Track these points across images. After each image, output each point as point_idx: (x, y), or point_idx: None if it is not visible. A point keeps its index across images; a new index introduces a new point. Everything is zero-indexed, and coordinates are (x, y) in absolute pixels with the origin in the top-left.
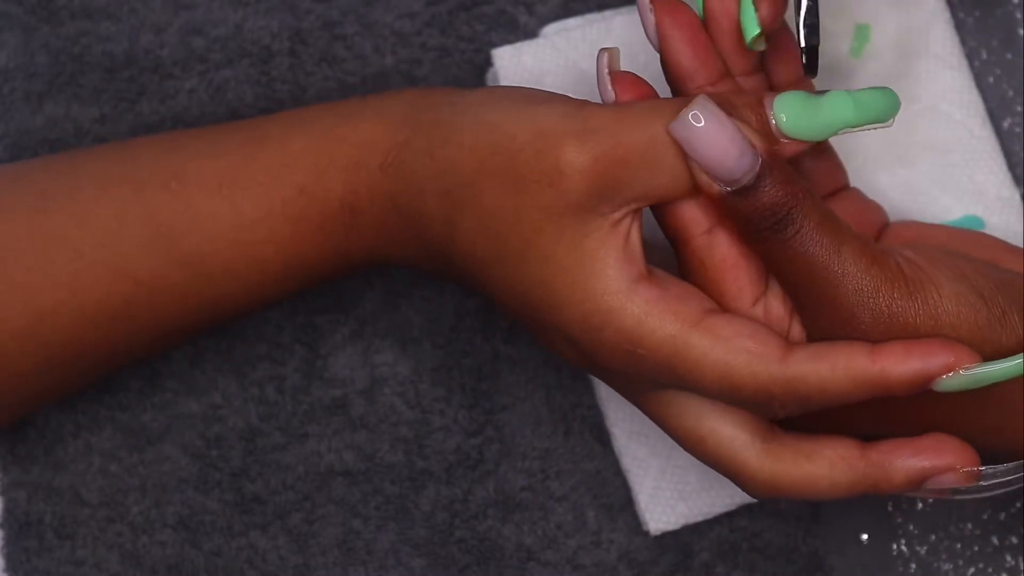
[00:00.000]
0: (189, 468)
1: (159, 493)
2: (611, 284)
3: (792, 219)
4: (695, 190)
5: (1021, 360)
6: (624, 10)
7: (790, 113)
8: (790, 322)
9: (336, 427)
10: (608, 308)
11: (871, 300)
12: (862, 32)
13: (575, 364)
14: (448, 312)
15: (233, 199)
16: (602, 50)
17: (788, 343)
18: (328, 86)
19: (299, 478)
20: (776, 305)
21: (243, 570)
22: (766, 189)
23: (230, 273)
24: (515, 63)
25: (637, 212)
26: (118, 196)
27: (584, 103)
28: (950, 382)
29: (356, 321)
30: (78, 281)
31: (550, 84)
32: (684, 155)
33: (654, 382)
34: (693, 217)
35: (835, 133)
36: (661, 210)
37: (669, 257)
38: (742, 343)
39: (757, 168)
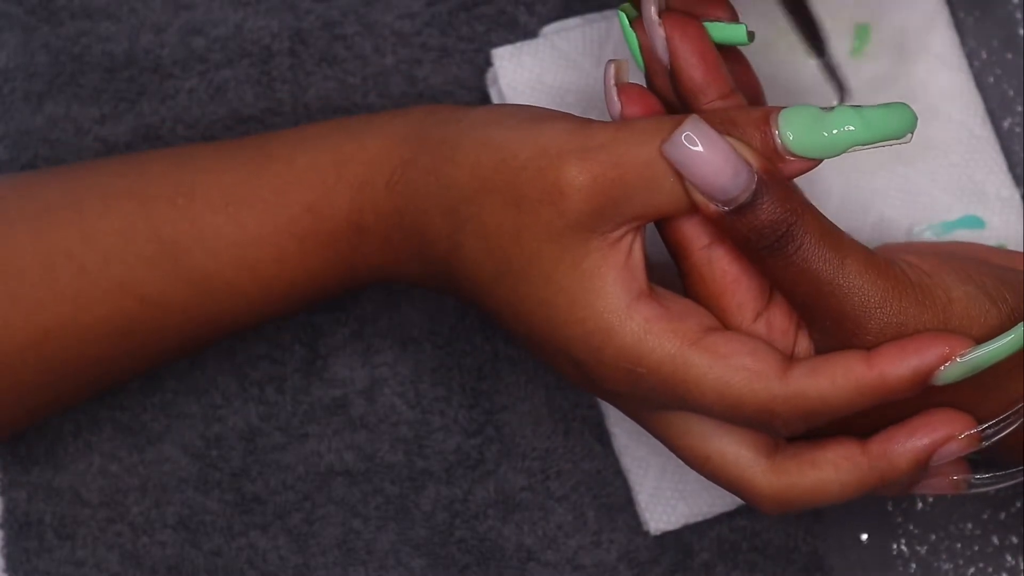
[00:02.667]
0: (189, 468)
1: (159, 493)
2: (611, 302)
3: (792, 236)
4: (695, 208)
5: (1014, 336)
6: None
7: (796, 130)
8: (795, 335)
9: (336, 427)
10: (608, 327)
11: (878, 311)
12: (862, 32)
13: (579, 386)
14: (448, 312)
15: (238, 217)
16: (609, 62)
17: (787, 360)
18: (328, 86)
19: (299, 478)
20: (780, 319)
21: (243, 570)
22: (763, 207)
23: (234, 290)
24: (515, 63)
25: (638, 229)
26: (124, 212)
27: (587, 122)
28: (949, 372)
29: (356, 321)
30: (83, 297)
31: (550, 84)
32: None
33: (657, 403)
34: (692, 232)
35: (844, 151)
36: (661, 225)
37: (673, 276)
38: (741, 361)
39: (753, 186)
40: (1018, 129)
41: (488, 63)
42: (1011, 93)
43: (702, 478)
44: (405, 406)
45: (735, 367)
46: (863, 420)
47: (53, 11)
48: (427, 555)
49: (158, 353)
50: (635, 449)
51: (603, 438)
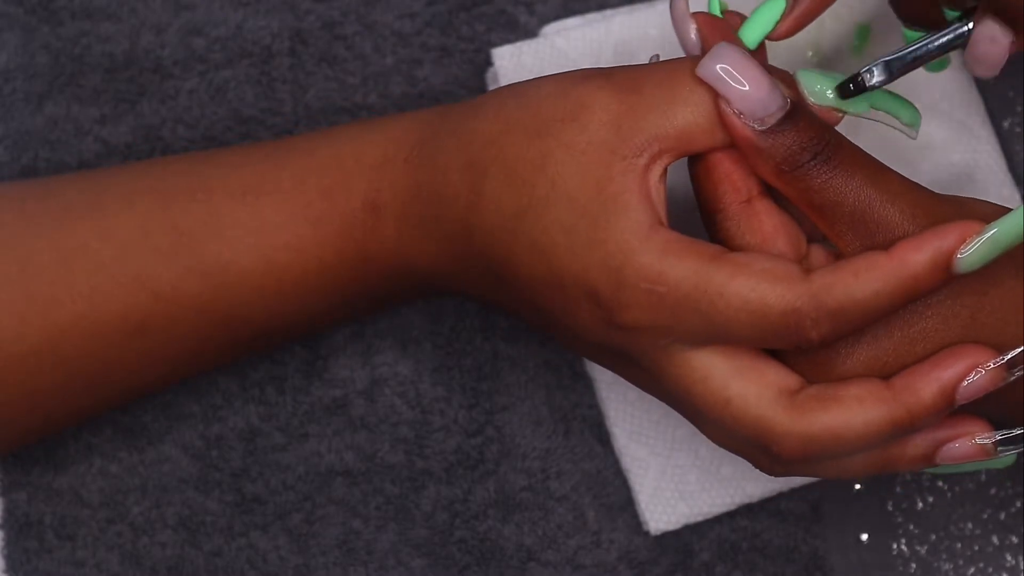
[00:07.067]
0: (189, 468)
1: (159, 493)
2: (632, 224)
3: (836, 144)
4: (717, 127)
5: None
6: (624, 10)
7: (812, 85)
8: None
9: (336, 427)
10: (629, 247)
11: (926, 215)
12: (862, 32)
13: (595, 336)
14: (448, 312)
15: (256, 205)
16: None
17: (807, 268)
18: (328, 86)
19: (299, 478)
20: (819, 265)
21: (243, 570)
22: (803, 120)
23: (248, 281)
24: (515, 63)
25: (663, 164)
26: (143, 207)
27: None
28: (970, 256)
29: (356, 321)
30: (98, 293)
31: None
32: (703, 85)
33: (677, 332)
34: (732, 187)
35: (858, 103)
36: (698, 177)
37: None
38: (762, 265)
39: (788, 105)
40: (1018, 129)
41: (488, 63)
42: (1011, 93)
43: (702, 478)
44: (405, 406)
45: (757, 271)
46: (890, 365)
47: (53, 11)
48: (427, 555)
49: (172, 356)
50: (635, 449)
51: (603, 438)
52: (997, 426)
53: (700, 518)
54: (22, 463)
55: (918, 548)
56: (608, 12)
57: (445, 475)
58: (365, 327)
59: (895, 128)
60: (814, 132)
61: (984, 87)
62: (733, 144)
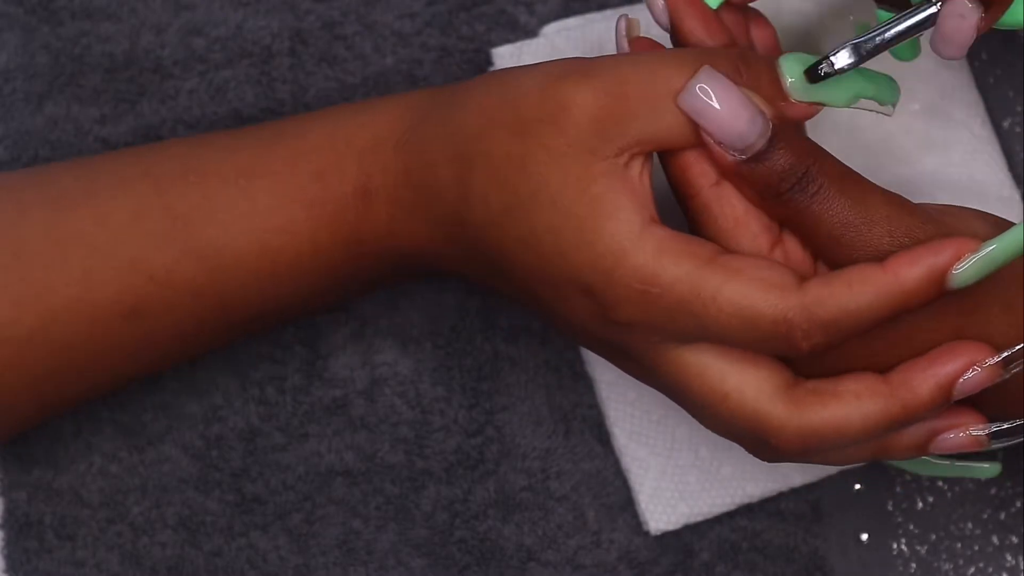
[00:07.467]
0: (189, 468)
1: (159, 493)
2: (623, 226)
3: (812, 176)
4: (697, 137)
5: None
6: (624, 10)
7: (796, 74)
8: (814, 265)
9: (336, 427)
10: (621, 249)
11: (909, 239)
12: (862, 31)
13: (592, 330)
14: (448, 312)
15: (249, 188)
16: (621, 16)
17: (802, 277)
18: (328, 86)
19: (299, 478)
20: (795, 248)
21: (243, 570)
22: (781, 150)
23: (243, 264)
24: (515, 63)
25: (646, 159)
26: (137, 192)
27: (592, 58)
28: (964, 272)
29: (356, 321)
30: (92, 277)
31: None
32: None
33: (670, 331)
34: (700, 170)
35: (841, 96)
36: (667, 163)
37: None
38: (756, 273)
39: (769, 132)
40: (1018, 129)
41: (488, 63)
42: (1011, 93)
43: (702, 479)
44: (405, 406)
45: (751, 279)
46: (885, 359)
47: (53, 11)
48: (427, 555)
49: (166, 340)
50: (635, 449)
51: (603, 438)
52: (991, 419)
53: (700, 518)
54: (22, 463)
55: (918, 548)
56: (608, 12)
57: (445, 475)
58: (365, 327)
59: (873, 111)
60: (795, 160)
61: (984, 87)
62: None
